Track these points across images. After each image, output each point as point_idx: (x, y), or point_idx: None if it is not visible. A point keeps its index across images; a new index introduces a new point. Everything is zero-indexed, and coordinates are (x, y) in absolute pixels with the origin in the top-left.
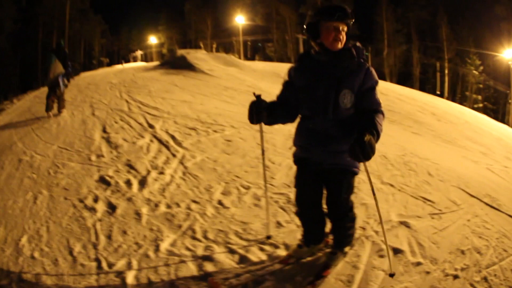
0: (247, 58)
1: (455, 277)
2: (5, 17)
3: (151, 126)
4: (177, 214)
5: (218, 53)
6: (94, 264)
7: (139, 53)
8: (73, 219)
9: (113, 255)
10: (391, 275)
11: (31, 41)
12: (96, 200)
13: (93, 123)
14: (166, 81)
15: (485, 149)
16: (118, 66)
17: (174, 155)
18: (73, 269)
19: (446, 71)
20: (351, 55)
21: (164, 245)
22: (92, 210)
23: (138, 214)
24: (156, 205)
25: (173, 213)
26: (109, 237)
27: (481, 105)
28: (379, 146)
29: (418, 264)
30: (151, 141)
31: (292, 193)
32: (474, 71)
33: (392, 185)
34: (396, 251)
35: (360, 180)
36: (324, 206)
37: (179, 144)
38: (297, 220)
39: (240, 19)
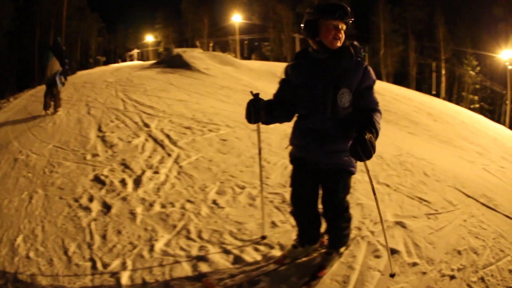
0: (243, 57)
1: (452, 277)
2: (2, 15)
3: (146, 125)
4: (172, 214)
5: (214, 52)
6: (89, 264)
7: (135, 51)
8: (68, 219)
9: (108, 255)
10: (392, 276)
11: (28, 39)
12: (91, 199)
13: (88, 122)
14: (162, 80)
15: (481, 149)
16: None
17: (169, 155)
18: (68, 269)
19: (443, 72)
20: (350, 54)
21: (159, 245)
22: (87, 209)
23: (132, 214)
24: (151, 205)
25: (168, 213)
26: (103, 237)
27: (477, 105)
28: None
29: (414, 264)
30: (146, 140)
31: (287, 193)
32: (471, 72)
33: (388, 185)
34: (392, 252)
35: (356, 180)
36: (320, 206)
37: (174, 143)
38: (292, 220)
39: (237, 18)
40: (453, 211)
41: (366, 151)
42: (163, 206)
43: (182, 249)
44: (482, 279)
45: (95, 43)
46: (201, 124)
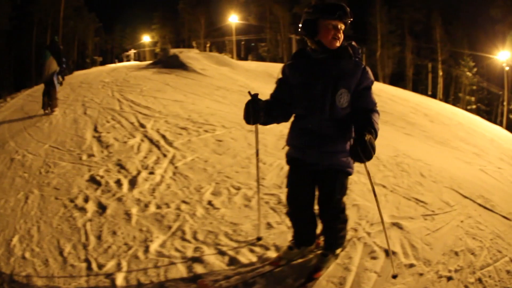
0: (240, 57)
1: (449, 278)
2: (0, 14)
3: (142, 125)
4: (167, 215)
5: (211, 53)
6: (84, 265)
7: (132, 52)
8: (64, 219)
9: (103, 256)
10: (394, 277)
11: (26, 39)
12: (86, 200)
13: (84, 122)
14: (158, 80)
15: (478, 150)
16: (111, 65)
17: (164, 155)
18: (63, 270)
19: (441, 73)
20: (349, 54)
21: (154, 246)
22: (83, 210)
23: (128, 215)
24: (146, 206)
25: (163, 214)
26: (99, 237)
27: (474, 106)
28: None
29: (411, 265)
30: (142, 140)
31: (283, 194)
32: (468, 73)
33: (384, 186)
34: (389, 253)
35: (352, 181)
36: (316, 207)
37: (170, 144)
38: (288, 222)
39: (233, 19)
40: (450, 212)
41: (366, 153)
42: (158, 207)
43: (177, 250)
44: (479, 280)
45: (92, 43)
46: (197, 124)
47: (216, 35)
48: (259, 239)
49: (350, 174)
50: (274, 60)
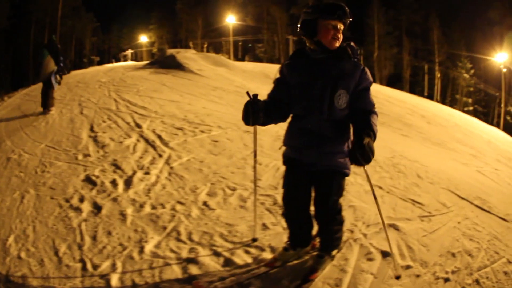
0: (237, 58)
1: (446, 280)
2: None
3: (138, 125)
4: (162, 215)
5: (208, 53)
6: (79, 265)
7: (129, 52)
8: (59, 219)
9: (98, 256)
10: (397, 278)
11: (23, 38)
12: (81, 200)
13: (81, 122)
14: (155, 80)
15: (475, 151)
16: (108, 65)
17: (160, 155)
18: (58, 270)
19: (439, 75)
20: (348, 55)
21: (149, 247)
22: (78, 210)
23: (123, 215)
24: (141, 206)
25: (158, 214)
26: (94, 238)
27: (471, 108)
28: None
29: (408, 267)
30: (138, 140)
31: (278, 195)
32: (465, 74)
33: (380, 187)
34: (385, 254)
35: (348, 182)
36: (311, 208)
37: (165, 144)
38: (283, 223)
39: (231, 19)
40: (447, 213)
41: (365, 156)
42: (153, 207)
43: (172, 251)
44: (477, 281)
45: (89, 43)
46: (193, 125)
47: (213, 36)
48: (254, 240)
49: (347, 175)
50: (271, 61)
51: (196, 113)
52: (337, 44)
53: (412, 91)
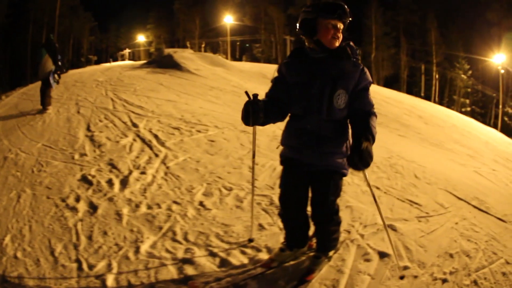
0: (235, 58)
1: (444, 281)
2: None
3: (135, 125)
4: (158, 215)
5: (205, 53)
6: (74, 265)
7: (127, 51)
8: (55, 219)
9: (94, 256)
10: (402, 278)
11: (21, 37)
12: (77, 199)
13: (78, 121)
14: (152, 80)
15: (473, 152)
16: (106, 64)
17: (156, 155)
18: (54, 270)
19: (437, 76)
20: (347, 55)
21: (144, 247)
22: (74, 209)
23: (118, 215)
24: (137, 206)
25: (154, 214)
26: (89, 237)
27: (468, 109)
28: None
29: (405, 268)
30: (134, 140)
31: (275, 195)
32: (463, 75)
33: (378, 188)
34: (382, 255)
35: (345, 182)
36: (308, 208)
37: (162, 143)
38: (279, 223)
39: (228, 19)
40: (444, 214)
41: (363, 162)
42: (149, 207)
43: (168, 251)
44: (475, 282)
45: (87, 42)
46: (190, 124)
47: (211, 36)
48: (250, 240)
49: (345, 175)
50: (268, 61)
51: (193, 112)
52: (337, 44)
53: (410, 91)
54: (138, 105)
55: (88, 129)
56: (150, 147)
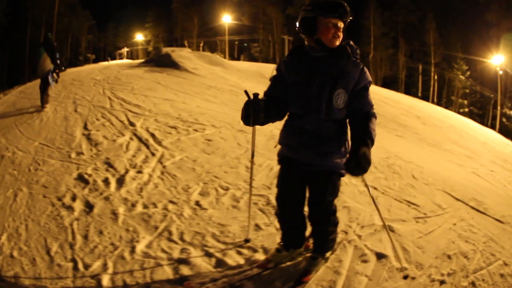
0: (233, 58)
1: (442, 282)
2: None
3: (132, 124)
4: (154, 215)
5: (203, 52)
6: (70, 264)
7: (125, 50)
8: (51, 218)
9: (89, 256)
10: (405, 277)
11: (20, 35)
12: (74, 198)
13: (75, 119)
14: (150, 78)
15: (471, 153)
16: (104, 63)
17: (153, 154)
18: (50, 269)
19: (436, 77)
20: (347, 54)
21: (140, 247)
22: (70, 208)
23: (114, 214)
24: (133, 205)
25: (150, 214)
26: (85, 237)
27: (466, 109)
28: None
29: (403, 269)
30: (131, 139)
31: (272, 195)
32: (461, 76)
33: (375, 188)
34: (380, 256)
35: (343, 182)
36: (305, 208)
37: (159, 142)
38: (276, 223)
39: (226, 19)
40: (442, 214)
41: (361, 168)
42: (145, 206)
43: (163, 251)
44: (473, 283)
45: (85, 41)
46: (187, 123)
47: (209, 35)
48: (247, 241)
49: (343, 175)
50: (266, 60)
51: (190, 111)
52: (337, 43)
53: (408, 92)
54: (136, 104)
55: (85, 127)
56: (147, 146)
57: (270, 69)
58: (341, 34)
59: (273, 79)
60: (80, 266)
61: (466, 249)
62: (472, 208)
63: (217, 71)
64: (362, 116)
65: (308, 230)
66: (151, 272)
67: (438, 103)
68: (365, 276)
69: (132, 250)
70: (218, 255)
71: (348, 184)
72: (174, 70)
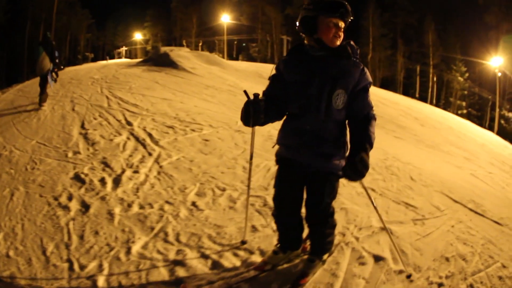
0: (232, 57)
1: (440, 285)
2: None
3: (129, 123)
4: (150, 215)
5: (201, 52)
6: (66, 265)
7: (123, 49)
8: (47, 218)
9: (85, 256)
10: (409, 277)
11: (19, 33)
12: (70, 198)
13: (72, 118)
14: (148, 78)
15: (469, 154)
16: (102, 62)
17: (150, 154)
18: (46, 269)
19: (435, 79)
20: (348, 54)
21: (136, 248)
22: (66, 208)
23: (110, 214)
24: (129, 205)
25: (146, 214)
26: (81, 237)
27: (465, 111)
28: None
29: (401, 272)
30: (128, 138)
31: (269, 196)
32: (460, 78)
33: (373, 190)
34: (378, 259)
35: (340, 183)
36: (302, 209)
37: (155, 142)
38: (273, 224)
39: (225, 18)
40: (440, 216)
41: (358, 173)
42: (141, 207)
43: (159, 252)
44: (471, 286)
45: (84, 39)
46: (184, 123)
47: (207, 35)
48: (243, 242)
49: (341, 177)
50: (264, 60)
51: (188, 111)
52: (338, 43)
53: (406, 93)
54: (133, 103)
55: (83, 126)
56: (144, 146)
57: (268, 69)
58: (342, 34)
59: (272, 78)
60: (76, 266)
61: (464, 251)
62: (470, 210)
63: (215, 70)
64: (362, 119)
65: (306, 232)
66: (147, 273)
67: (437, 105)
68: (363, 279)
69: (128, 251)
70: (214, 256)
71: (346, 185)
72: (172, 69)
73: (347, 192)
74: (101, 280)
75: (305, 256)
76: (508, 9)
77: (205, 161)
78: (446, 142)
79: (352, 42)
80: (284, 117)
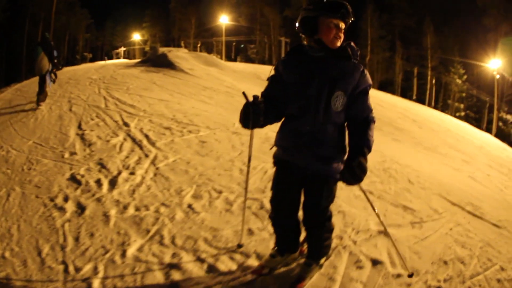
0: (230, 59)
1: None
2: None
3: (126, 124)
4: (146, 218)
5: (199, 53)
6: (61, 267)
7: (122, 49)
8: (43, 219)
9: (80, 258)
10: (410, 276)
11: (18, 33)
12: (66, 199)
13: (69, 119)
14: (146, 78)
15: (467, 157)
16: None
17: (146, 155)
18: (41, 271)
19: (433, 81)
20: (348, 55)
21: (131, 250)
22: (62, 210)
23: (106, 216)
24: (125, 207)
25: (142, 216)
26: (76, 239)
27: (463, 113)
28: None
29: (399, 275)
30: (125, 139)
31: (266, 199)
32: (458, 80)
33: (371, 192)
34: (375, 262)
35: (338, 186)
36: (300, 212)
37: (152, 144)
38: (270, 227)
39: (224, 19)
40: (438, 219)
41: (356, 178)
42: (137, 209)
43: (154, 255)
44: None
45: (82, 39)
46: (181, 125)
47: (206, 36)
48: (240, 246)
49: (339, 180)
50: (262, 62)
51: (185, 112)
52: (339, 44)
53: (404, 95)
54: (130, 104)
55: (79, 127)
56: (141, 147)
57: (266, 70)
58: (342, 35)
59: (271, 79)
60: (71, 269)
61: (463, 254)
62: (469, 212)
63: (213, 72)
64: (361, 122)
65: (303, 235)
66: (142, 276)
67: (435, 107)
68: (360, 283)
69: (123, 254)
70: (210, 260)
71: (343, 188)
72: (170, 70)
73: (345, 195)
74: (96, 283)
75: (302, 260)
76: (506, 11)
77: (201, 163)
78: (444, 144)
79: (352, 44)
80: (283, 119)
